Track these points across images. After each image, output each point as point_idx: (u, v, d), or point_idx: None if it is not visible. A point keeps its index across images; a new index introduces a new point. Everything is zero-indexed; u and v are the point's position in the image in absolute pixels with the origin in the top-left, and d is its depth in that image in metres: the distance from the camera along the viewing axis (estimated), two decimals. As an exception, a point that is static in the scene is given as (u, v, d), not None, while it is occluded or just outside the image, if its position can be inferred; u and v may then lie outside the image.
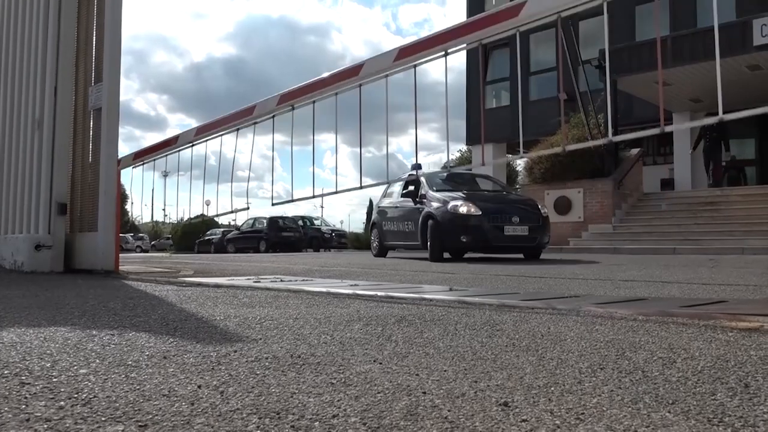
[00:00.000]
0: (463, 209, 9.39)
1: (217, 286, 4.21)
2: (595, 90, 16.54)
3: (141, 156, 6.38)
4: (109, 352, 1.77)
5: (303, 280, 5.02)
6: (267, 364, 1.61)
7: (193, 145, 5.77)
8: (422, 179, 10.67)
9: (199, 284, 4.39)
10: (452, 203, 9.56)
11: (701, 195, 15.83)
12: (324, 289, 3.83)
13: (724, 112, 2.59)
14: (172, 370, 1.53)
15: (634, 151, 17.12)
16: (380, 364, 1.62)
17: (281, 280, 4.91)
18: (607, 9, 3.12)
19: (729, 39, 14.06)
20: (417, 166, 10.14)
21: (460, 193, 10.08)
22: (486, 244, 9.39)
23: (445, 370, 1.54)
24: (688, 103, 17.62)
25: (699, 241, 12.87)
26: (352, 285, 4.68)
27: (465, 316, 2.55)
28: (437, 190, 10.42)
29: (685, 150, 18.34)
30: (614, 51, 16.53)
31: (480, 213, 9.29)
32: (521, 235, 9.33)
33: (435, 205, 9.86)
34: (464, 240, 9.21)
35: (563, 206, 15.82)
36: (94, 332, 2.11)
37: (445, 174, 10.91)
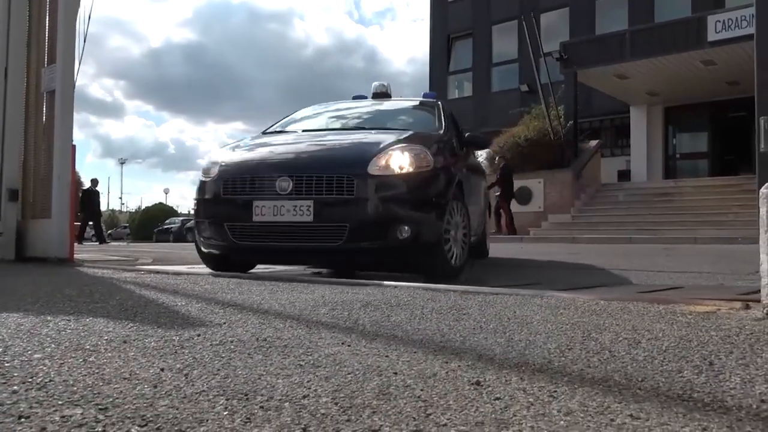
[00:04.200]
0: (203, 174, 4.39)
1: (177, 273, 4.11)
2: (555, 82, 16.75)
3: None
4: (65, 336, 1.70)
5: (265, 268, 4.95)
6: (232, 347, 1.57)
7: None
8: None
9: (158, 272, 4.28)
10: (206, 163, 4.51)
11: (656, 186, 16.25)
12: (288, 276, 3.78)
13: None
14: (132, 353, 1.48)
15: (593, 142, 17.45)
16: (349, 346, 1.59)
17: (243, 268, 4.82)
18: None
19: (685, 34, 14.41)
20: (361, 97, 6.15)
21: (269, 139, 4.88)
22: (225, 244, 4.15)
23: (414, 352, 1.52)
24: (645, 97, 18.02)
25: (654, 230, 13.21)
26: (315, 273, 4.64)
27: (431, 301, 2.54)
28: (268, 132, 5.29)
29: (642, 142, 18.76)
30: (573, 44, 16.78)
31: (216, 177, 4.21)
32: (295, 222, 3.82)
33: None
34: (206, 235, 4.28)
35: (524, 196, 16.03)
36: (48, 318, 2.03)
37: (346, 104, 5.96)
